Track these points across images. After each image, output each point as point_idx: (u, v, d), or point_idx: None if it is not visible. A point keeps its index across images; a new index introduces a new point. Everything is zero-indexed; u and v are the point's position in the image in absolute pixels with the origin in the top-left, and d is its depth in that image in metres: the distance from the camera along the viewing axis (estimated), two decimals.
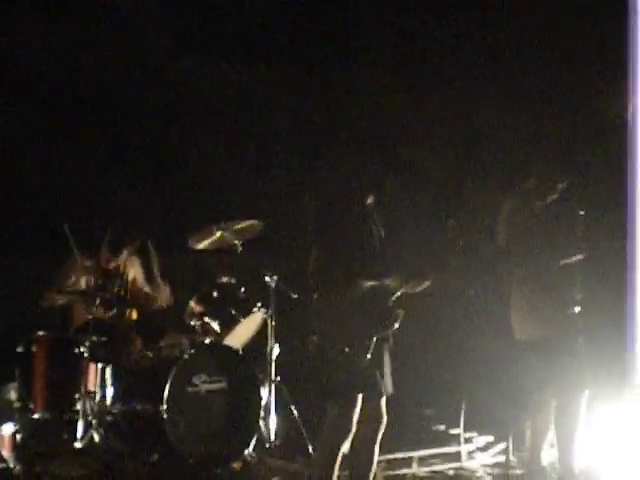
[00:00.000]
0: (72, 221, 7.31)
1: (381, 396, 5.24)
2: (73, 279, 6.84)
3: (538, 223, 6.02)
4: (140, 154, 8.41)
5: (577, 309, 6.07)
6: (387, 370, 5.25)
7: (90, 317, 6.48)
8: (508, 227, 6.08)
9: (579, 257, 6.02)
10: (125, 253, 6.95)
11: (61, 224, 6.80)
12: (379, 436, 5.31)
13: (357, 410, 5.16)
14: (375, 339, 5.08)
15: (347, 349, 5.03)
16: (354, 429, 5.17)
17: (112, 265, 6.98)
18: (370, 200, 5.31)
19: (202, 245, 6.76)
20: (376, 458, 5.35)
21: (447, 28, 8.54)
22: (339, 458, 5.19)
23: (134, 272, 7.08)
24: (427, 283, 5.25)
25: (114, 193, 8.01)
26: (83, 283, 6.86)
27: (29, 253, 7.40)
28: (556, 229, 6.04)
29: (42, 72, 8.06)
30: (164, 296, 7.02)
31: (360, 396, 5.15)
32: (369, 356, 5.05)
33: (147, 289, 7.07)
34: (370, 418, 5.24)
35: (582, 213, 6.07)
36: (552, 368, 5.99)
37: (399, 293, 5.17)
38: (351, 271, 5.11)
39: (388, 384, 5.26)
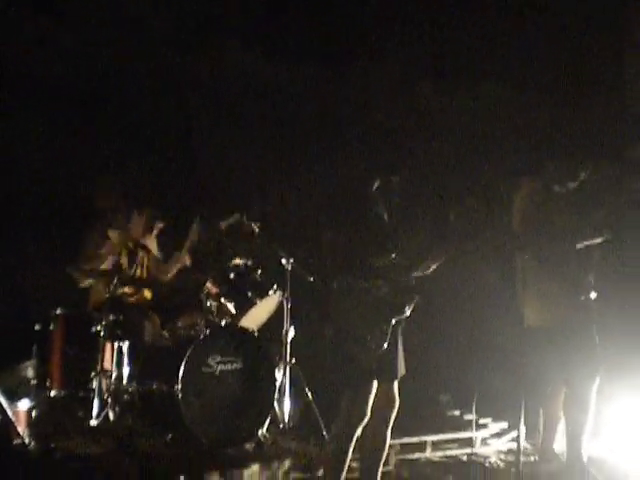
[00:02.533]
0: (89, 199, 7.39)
1: (394, 379, 5.26)
2: (102, 254, 6.87)
3: (555, 207, 5.99)
4: (163, 144, 8.45)
5: (593, 295, 6.05)
6: (400, 352, 5.27)
7: (107, 296, 6.51)
8: (524, 209, 6.06)
9: (597, 240, 5.98)
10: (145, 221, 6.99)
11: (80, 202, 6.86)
12: (392, 419, 5.33)
13: (372, 396, 5.18)
14: (392, 324, 5.09)
15: (367, 337, 5.04)
16: (369, 414, 5.19)
17: (137, 239, 7.03)
18: (376, 185, 5.31)
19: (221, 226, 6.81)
20: (388, 441, 5.38)
21: (464, 20, 8.50)
22: (353, 442, 5.22)
23: (151, 247, 7.14)
24: (436, 264, 5.27)
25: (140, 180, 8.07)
26: (110, 261, 6.90)
27: (46, 231, 7.43)
28: (573, 215, 6.02)
29: (49, 67, 8.06)
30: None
31: (375, 381, 5.17)
32: (386, 342, 5.06)
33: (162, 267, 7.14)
34: (383, 402, 5.27)
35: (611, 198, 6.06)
36: (563, 355, 5.97)
37: (413, 275, 5.19)
38: (363, 252, 5.14)
39: (401, 366, 5.28)
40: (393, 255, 5.17)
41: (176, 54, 8.39)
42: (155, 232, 7.11)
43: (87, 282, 6.83)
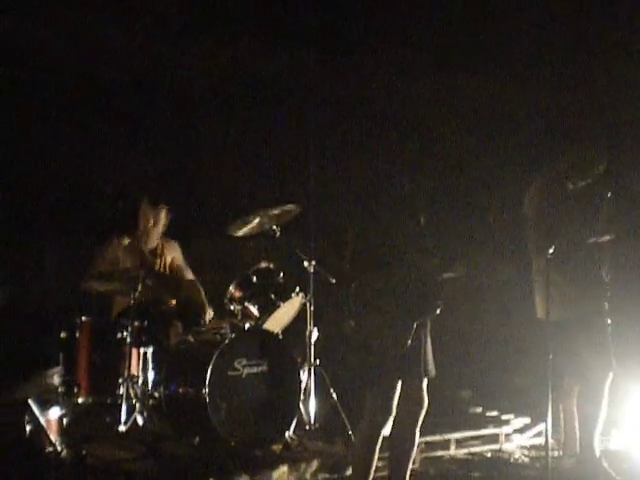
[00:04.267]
0: (104, 204, 7.43)
1: (422, 379, 5.27)
2: (115, 259, 6.94)
3: (568, 203, 6.03)
4: (177, 142, 8.47)
5: (607, 292, 6.09)
6: (428, 352, 5.28)
7: (131, 302, 6.56)
8: (538, 204, 6.10)
9: (607, 237, 6.03)
10: (162, 217, 7.02)
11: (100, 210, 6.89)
12: (420, 419, 5.33)
13: (396, 394, 5.19)
14: (415, 325, 5.12)
15: (387, 336, 5.06)
16: (394, 412, 5.22)
17: (151, 246, 7.07)
18: (409, 184, 5.35)
19: (241, 232, 6.82)
20: (417, 441, 5.38)
21: (475, 5, 8.50)
22: (379, 441, 5.24)
23: (172, 255, 7.18)
24: (467, 269, 5.30)
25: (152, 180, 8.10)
26: (127, 263, 6.94)
27: (72, 239, 7.47)
28: (585, 210, 6.06)
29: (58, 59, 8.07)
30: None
31: (399, 381, 5.20)
32: (409, 342, 5.08)
33: (190, 275, 7.18)
34: (411, 401, 5.27)
35: (610, 195, 6.08)
36: (577, 350, 6.01)
37: (442, 278, 5.21)
38: (391, 255, 5.16)
39: (430, 366, 5.27)
40: (427, 252, 5.19)
41: (179, 46, 8.40)
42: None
43: (100, 288, 6.88)
